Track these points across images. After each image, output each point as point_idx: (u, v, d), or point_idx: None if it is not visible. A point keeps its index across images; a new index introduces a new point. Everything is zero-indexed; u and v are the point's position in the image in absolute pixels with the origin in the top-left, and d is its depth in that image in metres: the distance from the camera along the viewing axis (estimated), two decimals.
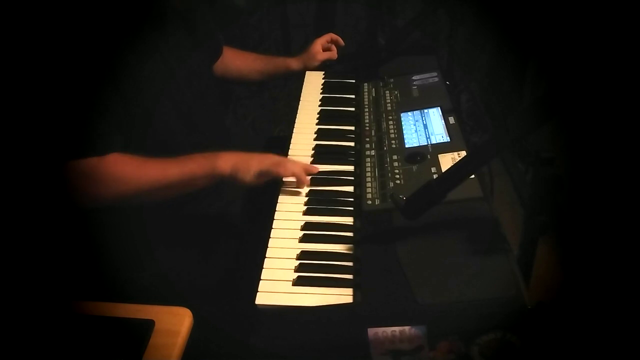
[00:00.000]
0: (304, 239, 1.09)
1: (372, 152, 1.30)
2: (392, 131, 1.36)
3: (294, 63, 1.68)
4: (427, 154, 1.23)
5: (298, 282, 0.99)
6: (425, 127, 1.33)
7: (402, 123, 1.38)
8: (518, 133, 0.87)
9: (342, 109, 1.53)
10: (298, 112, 1.52)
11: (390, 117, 1.42)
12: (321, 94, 1.61)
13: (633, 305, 1.52)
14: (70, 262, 1.16)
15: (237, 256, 1.22)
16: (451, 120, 1.33)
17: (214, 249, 1.23)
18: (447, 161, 1.19)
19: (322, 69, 1.70)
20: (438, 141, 1.27)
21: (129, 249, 1.13)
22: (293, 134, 1.42)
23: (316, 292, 0.96)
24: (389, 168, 1.23)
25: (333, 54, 1.70)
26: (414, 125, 1.36)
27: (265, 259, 1.04)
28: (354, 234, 1.09)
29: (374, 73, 1.65)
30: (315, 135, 1.41)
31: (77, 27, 1.08)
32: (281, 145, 1.36)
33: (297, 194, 1.20)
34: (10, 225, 1.15)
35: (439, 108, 1.39)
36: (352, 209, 1.16)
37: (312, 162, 1.30)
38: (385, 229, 1.06)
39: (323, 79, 1.68)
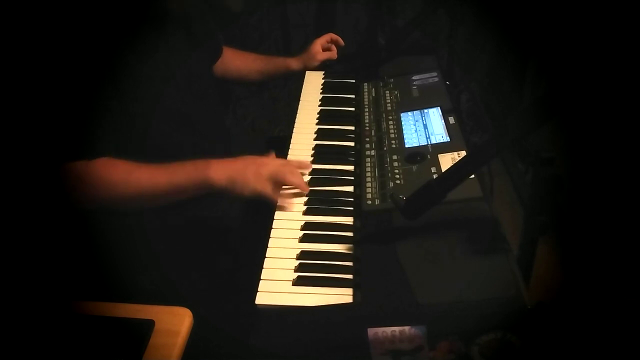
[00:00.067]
0: (304, 239, 1.09)
1: (372, 152, 1.30)
2: (392, 131, 1.36)
3: (294, 63, 1.68)
4: (427, 154, 1.23)
5: (298, 282, 0.99)
6: (425, 127, 1.33)
7: (402, 123, 1.38)
8: (518, 133, 0.87)
9: (342, 109, 1.53)
10: (298, 112, 1.52)
11: (390, 117, 1.42)
12: (321, 94, 1.61)
13: (633, 305, 1.52)
14: (71, 262, 1.16)
15: (237, 256, 1.22)
16: (451, 120, 1.33)
17: (214, 249, 1.23)
18: (447, 161, 1.19)
19: (322, 69, 1.70)
20: (438, 141, 1.27)
21: (129, 250, 1.12)
22: (293, 134, 1.42)
23: (316, 292, 0.96)
24: (389, 168, 1.23)
25: (333, 54, 1.70)
26: (414, 125, 1.36)
27: (265, 259, 1.04)
28: (354, 234, 1.09)
29: (374, 73, 1.65)
30: (315, 135, 1.41)
31: (75, 29, 1.08)
32: (281, 145, 1.36)
33: (297, 193, 1.20)
34: (10, 225, 1.15)
35: (439, 108, 1.39)
36: (352, 209, 1.15)
37: (312, 162, 1.30)
38: (385, 229, 1.06)
39: (323, 79, 1.68)
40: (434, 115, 1.37)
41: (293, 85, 1.97)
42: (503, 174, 1.06)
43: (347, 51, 1.75)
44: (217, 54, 1.54)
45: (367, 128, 1.41)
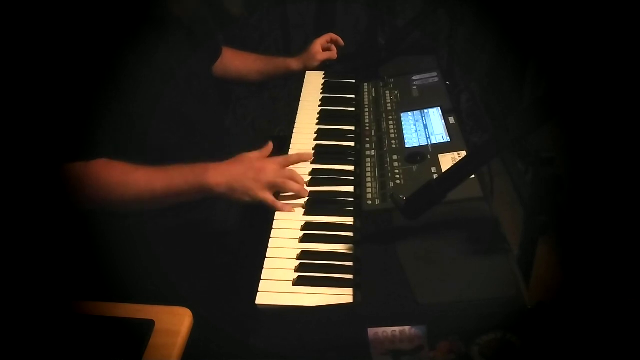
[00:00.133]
0: (304, 239, 1.09)
1: (372, 152, 1.30)
2: (392, 131, 1.36)
3: (294, 63, 1.67)
4: (427, 154, 1.23)
5: (298, 282, 0.99)
6: (425, 127, 1.33)
7: (402, 123, 1.38)
8: (518, 133, 0.87)
9: (342, 109, 1.53)
10: (298, 112, 1.52)
11: (390, 117, 1.42)
12: (321, 94, 1.61)
13: (633, 305, 1.52)
14: (71, 262, 1.16)
15: (237, 256, 1.22)
16: (451, 120, 1.33)
17: (214, 250, 1.23)
18: (447, 161, 1.19)
19: (322, 69, 1.70)
20: (438, 141, 1.27)
21: (130, 250, 1.12)
22: (293, 134, 1.42)
23: (316, 292, 0.96)
24: (389, 168, 1.22)
25: (333, 54, 1.70)
26: (414, 125, 1.36)
27: (265, 259, 1.04)
28: (354, 234, 1.09)
29: (374, 73, 1.65)
30: (316, 135, 1.41)
31: (75, 29, 1.08)
32: (281, 145, 1.36)
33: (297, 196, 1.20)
34: (10, 225, 1.15)
35: (439, 108, 1.39)
36: (352, 209, 1.15)
37: (312, 162, 1.30)
38: (385, 229, 1.06)
39: (323, 79, 1.68)
40: (434, 115, 1.37)
41: (293, 85, 1.96)
42: (503, 174, 1.06)
43: (347, 51, 1.75)
44: (217, 54, 1.54)
45: (367, 128, 1.41)
